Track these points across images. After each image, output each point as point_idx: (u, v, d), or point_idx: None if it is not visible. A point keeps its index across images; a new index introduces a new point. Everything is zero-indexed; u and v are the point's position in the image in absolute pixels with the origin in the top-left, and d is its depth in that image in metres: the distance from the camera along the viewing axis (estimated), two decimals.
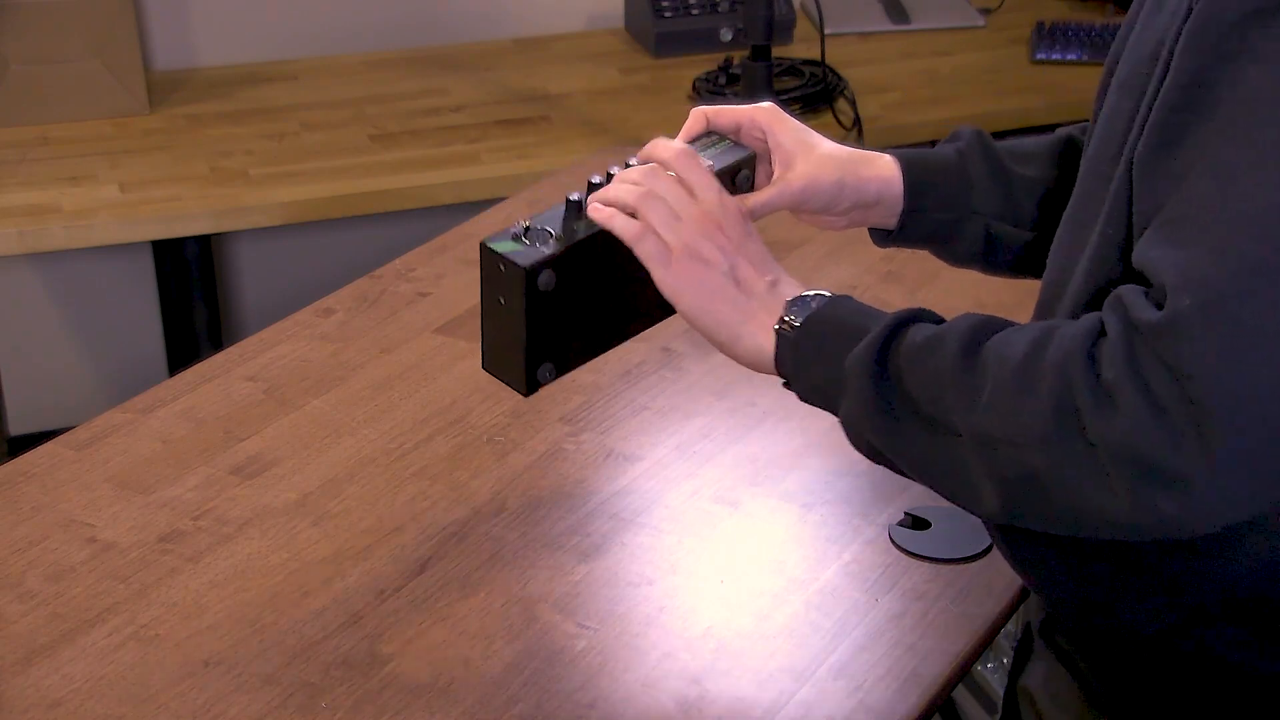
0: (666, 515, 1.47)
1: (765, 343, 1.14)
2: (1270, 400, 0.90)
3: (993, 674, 2.06)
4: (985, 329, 1.04)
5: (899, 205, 1.30)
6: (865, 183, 1.28)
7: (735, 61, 2.68)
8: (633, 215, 1.17)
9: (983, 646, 1.33)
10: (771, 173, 1.28)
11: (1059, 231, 1.15)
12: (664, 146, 1.20)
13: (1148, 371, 0.92)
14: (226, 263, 3.03)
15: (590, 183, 1.21)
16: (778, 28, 2.61)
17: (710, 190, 1.17)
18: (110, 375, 3.05)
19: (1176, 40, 0.99)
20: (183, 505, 1.48)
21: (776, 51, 2.60)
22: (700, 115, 1.29)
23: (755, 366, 1.16)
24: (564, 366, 1.23)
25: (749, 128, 1.28)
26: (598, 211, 1.18)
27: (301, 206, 2.43)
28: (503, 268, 1.17)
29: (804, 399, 1.15)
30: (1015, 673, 1.28)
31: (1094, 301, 1.05)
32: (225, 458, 1.55)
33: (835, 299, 1.14)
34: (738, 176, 1.27)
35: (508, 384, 1.23)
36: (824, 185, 1.26)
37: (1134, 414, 0.92)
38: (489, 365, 1.24)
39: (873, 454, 1.11)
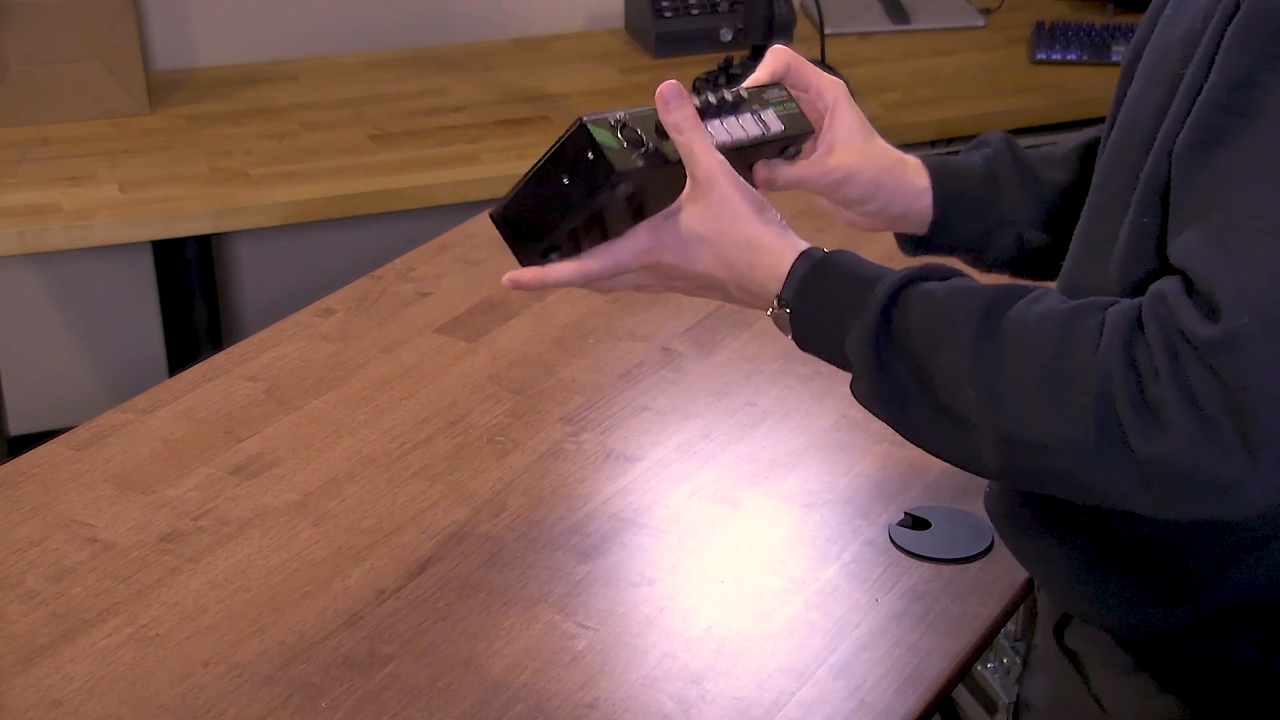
0: (666, 515, 1.47)
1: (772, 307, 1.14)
2: None
3: (993, 674, 2.06)
4: (999, 305, 1.01)
5: (927, 216, 1.30)
6: (900, 189, 1.28)
7: (735, 61, 2.68)
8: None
9: (983, 646, 1.33)
10: (816, 146, 1.28)
11: (1081, 221, 1.14)
12: (564, 277, 1.17)
13: (1197, 386, 0.92)
14: (226, 263, 3.03)
15: (696, 84, 1.19)
16: (778, 28, 2.61)
17: (632, 268, 1.17)
18: (110, 375, 3.05)
19: (1221, 34, 0.97)
20: (183, 505, 1.48)
21: None
22: (784, 56, 1.26)
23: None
24: (569, 257, 1.19)
25: (815, 96, 1.27)
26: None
27: (301, 206, 2.43)
28: (592, 156, 1.11)
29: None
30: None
31: (1135, 292, 1.03)
32: (225, 458, 1.55)
33: (807, 283, 1.12)
34: (788, 149, 1.26)
35: (511, 248, 1.19)
36: (861, 181, 1.26)
37: (1184, 432, 0.92)
38: (502, 221, 1.18)
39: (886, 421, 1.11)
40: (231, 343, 1.80)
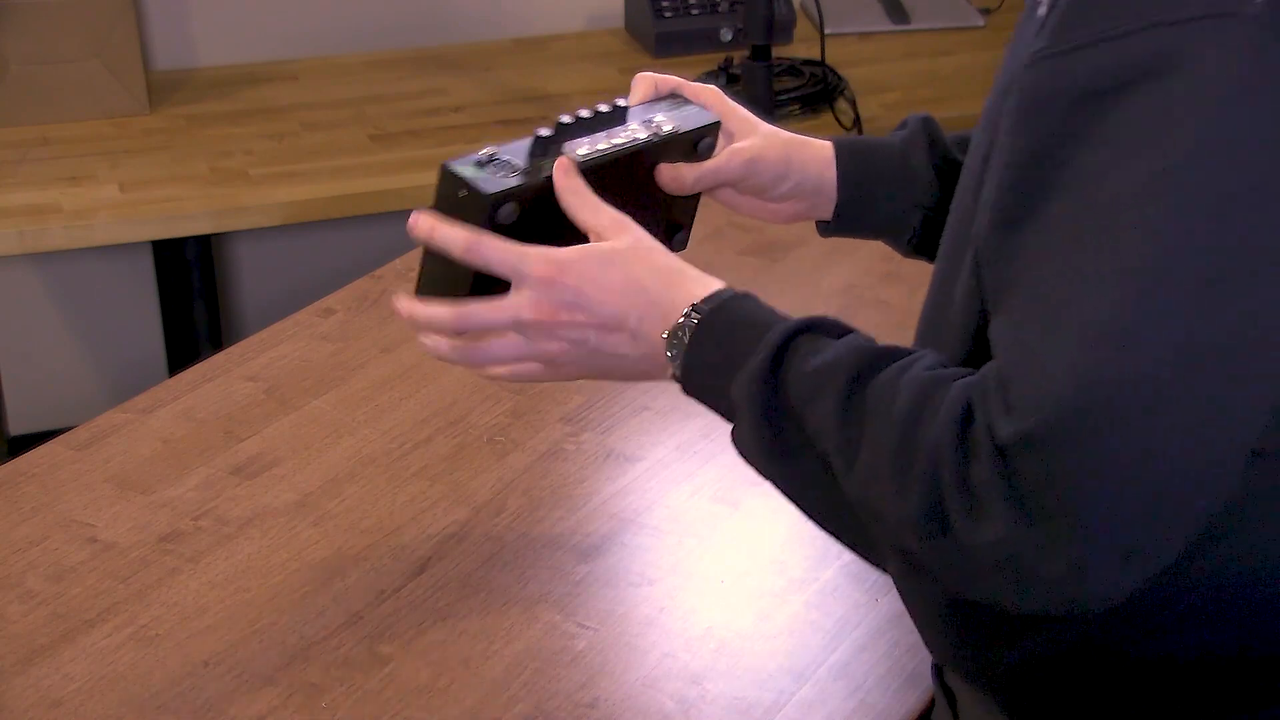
0: (666, 515, 1.47)
1: (664, 377, 1.09)
2: (1124, 510, 0.87)
3: None
4: (868, 368, 0.97)
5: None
6: (807, 163, 1.26)
7: (735, 61, 2.68)
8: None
9: None
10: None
11: (938, 254, 1.10)
12: (452, 239, 1.10)
13: (1014, 480, 0.88)
14: (226, 263, 3.03)
15: (559, 122, 1.16)
16: (778, 28, 2.61)
17: (527, 273, 1.09)
18: (110, 375, 3.05)
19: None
20: (183, 505, 1.48)
21: (776, 51, 2.61)
22: (648, 78, 1.25)
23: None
24: None
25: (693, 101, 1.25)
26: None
27: (301, 206, 2.43)
28: (463, 193, 1.09)
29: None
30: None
31: (975, 341, 1.00)
32: (225, 458, 1.55)
33: (707, 323, 1.06)
34: (700, 144, 1.23)
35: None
36: (770, 160, 1.23)
37: (1002, 522, 0.88)
38: (423, 289, 1.15)
39: (768, 480, 1.05)
40: (231, 343, 1.80)
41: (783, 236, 1.92)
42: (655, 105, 1.24)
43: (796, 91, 2.66)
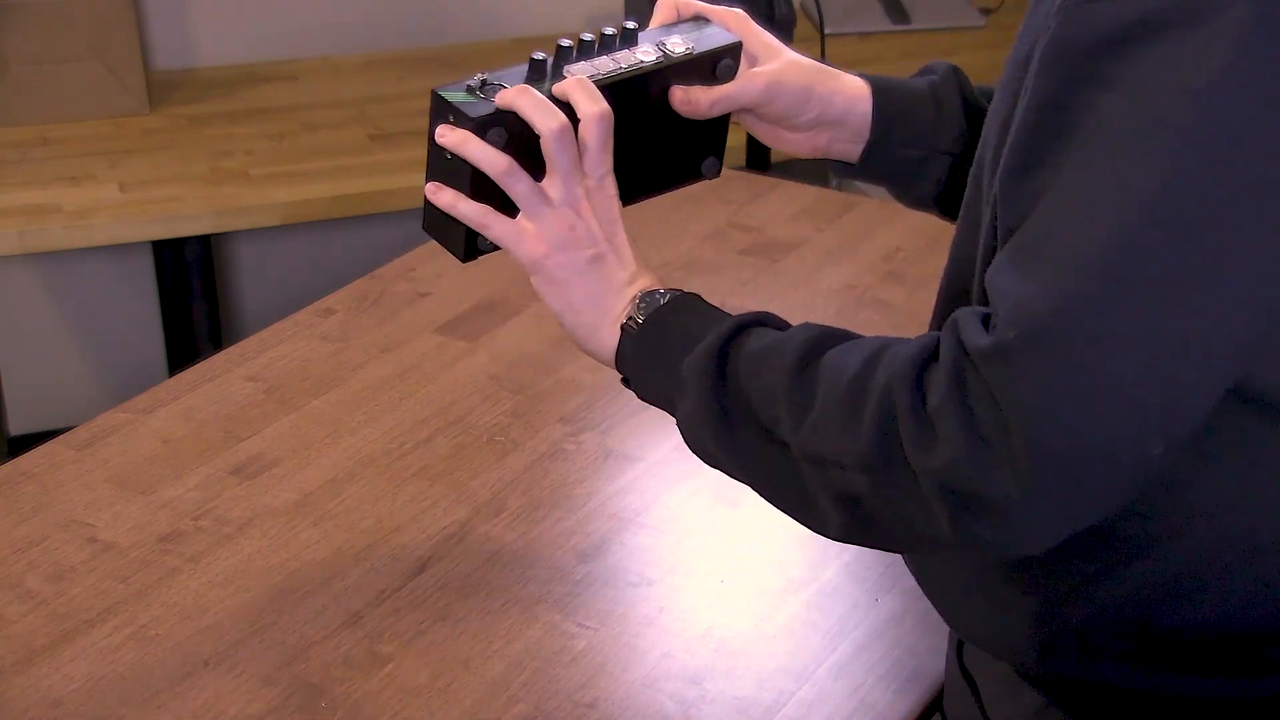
0: (666, 515, 1.47)
1: (611, 340, 1.11)
2: (1082, 434, 0.89)
3: None
4: (823, 342, 1.01)
5: (864, 130, 1.24)
6: (833, 94, 1.23)
7: None
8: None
9: None
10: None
11: (958, 223, 1.12)
12: (585, 95, 1.11)
13: (973, 400, 0.90)
14: (226, 263, 3.03)
15: (559, 45, 1.14)
16: (778, 28, 2.60)
17: (599, 167, 1.11)
18: (110, 375, 3.05)
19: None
20: (183, 505, 1.48)
21: None
22: (669, 4, 1.22)
23: (604, 362, 1.13)
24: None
25: (718, 26, 1.22)
26: (459, 141, 1.12)
27: (301, 206, 2.43)
28: (452, 119, 1.10)
29: (643, 398, 1.12)
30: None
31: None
32: (225, 458, 1.55)
33: (682, 297, 1.10)
34: (719, 65, 1.19)
35: (446, 248, 1.15)
36: (790, 87, 1.20)
37: (953, 443, 0.90)
38: (429, 226, 1.15)
39: (711, 460, 1.08)
40: (231, 343, 1.80)
41: (783, 236, 1.92)
42: (673, 28, 1.20)
43: None
